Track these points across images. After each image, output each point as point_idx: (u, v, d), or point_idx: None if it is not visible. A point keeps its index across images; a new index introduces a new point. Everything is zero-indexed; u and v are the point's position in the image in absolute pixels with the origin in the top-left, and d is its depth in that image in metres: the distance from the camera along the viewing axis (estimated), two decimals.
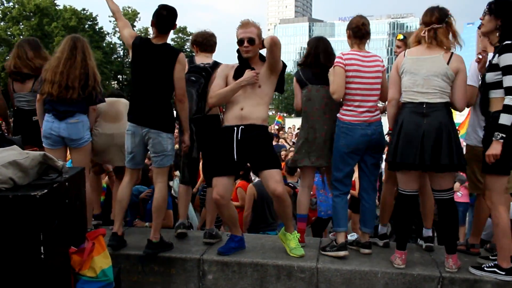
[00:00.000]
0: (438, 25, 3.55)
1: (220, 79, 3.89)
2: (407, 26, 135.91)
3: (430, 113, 3.50)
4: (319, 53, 4.18)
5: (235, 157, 3.78)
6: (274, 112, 67.26)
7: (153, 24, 3.91)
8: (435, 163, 3.47)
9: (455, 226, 3.75)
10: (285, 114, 67.27)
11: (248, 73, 3.77)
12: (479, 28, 3.94)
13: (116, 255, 3.81)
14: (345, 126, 3.94)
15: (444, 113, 3.53)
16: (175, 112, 4.07)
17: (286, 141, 14.12)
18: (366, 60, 3.96)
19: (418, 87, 3.55)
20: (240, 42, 3.82)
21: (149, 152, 4.00)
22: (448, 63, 3.54)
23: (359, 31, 3.98)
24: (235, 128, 3.80)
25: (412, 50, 3.66)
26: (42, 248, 2.37)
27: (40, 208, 2.37)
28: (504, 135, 3.28)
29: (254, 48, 3.82)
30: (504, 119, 3.28)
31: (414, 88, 3.56)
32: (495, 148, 3.32)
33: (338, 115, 4.01)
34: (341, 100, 3.99)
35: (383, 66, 4.04)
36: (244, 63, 3.87)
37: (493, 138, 3.32)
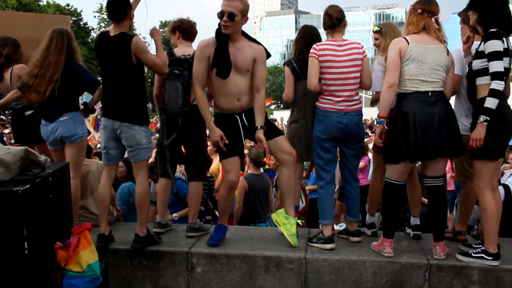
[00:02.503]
0: (438, 16, 3.60)
1: (201, 62, 3.77)
2: (393, 17, 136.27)
3: (437, 101, 3.54)
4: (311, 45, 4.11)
5: (243, 141, 3.90)
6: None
7: (108, 16, 3.93)
8: (452, 149, 3.53)
9: (444, 213, 3.80)
10: (273, 107, 67.29)
11: (216, 138, 3.76)
12: (459, 15, 4.00)
13: (103, 251, 3.78)
14: (321, 114, 3.97)
15: (447, 100, 3.63)
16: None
17: None
18: (341, 49, 3.93)
19: (424, 76, 3.54)
20: (220, 14, 3.64)
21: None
22: (447, 55, 3.64)
23: (327, 22, 3.99)
24: (237, 116, 3.86)
25: (415, 37, 3.60)
26: (26, 243, 2.33)
27: (23, 204, 2.33)
28: (488, 118, 3.32)
29: (234, 25, 3.65)
30: (490, 102, 3.32)
31: (420, 76, 3.55)
32: (479, 132, 3.37)
33: (316, 102, 4.03)
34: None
35: (363, 53, 3.98)
36: (222, 41, 3.72)
37: (478, 121, 3.36)
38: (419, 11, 3.63)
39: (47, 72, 4.00)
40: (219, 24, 3.71)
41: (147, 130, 3.92)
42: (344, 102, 3.92)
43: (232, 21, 3.63)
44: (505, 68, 3.37)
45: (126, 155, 4.15)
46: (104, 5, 60.29)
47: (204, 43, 3.79)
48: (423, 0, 3.64)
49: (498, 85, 3.31)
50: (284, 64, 4.46)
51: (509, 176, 5.41)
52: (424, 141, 3.49)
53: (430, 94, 3.54)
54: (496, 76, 3.31)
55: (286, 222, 3.93)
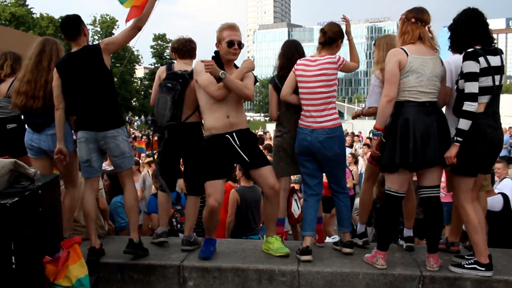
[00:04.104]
0: (430, 25, 3.64)
1: (206, 74, 3.77)
2: (384, 30, 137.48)
3: (434, 111, 3.56)
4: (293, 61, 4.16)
5: (247, 159, 3.88)
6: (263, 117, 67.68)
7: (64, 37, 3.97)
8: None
9: (440, 225, 3.78)
10: (266, 119, 67.54)
11: (247, 61, 3.92)
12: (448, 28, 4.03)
13: (94, 265, 3.73)
14: (298, 129, 4.04)
15: (441, 110, 3.67)
16: None
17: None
18: (313, 64, 3.95)
19: (423, 87, 3.55)
20: (230, 43, 3.82)
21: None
22: (442, 65, 3.68)
23: (320, 37, 4.06)
24: (228, 135, 3.82)
25: (413, 48, 3.59)
26: (13, 258, 2.30)
27: (11, 217, 2.31)
28: (460, 139, 3.41)
29: (239, 52, 3.91)
30: (462, 124, 3.41)
31: (419, 88, 3.55)
32: (450, 151, 3.47)
33: None
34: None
35: (337, 63, 3.93)
36: (219, 66, 3.82)
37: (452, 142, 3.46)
38: (413, 20, 3.62)
39: (42, 77, 4.00)
40: (216, 52, 3.91)
41: (127, 138, 3.98)
42: (311, 118, 3.93)
43: (241, 48, 3.91)
44: (484, 87, 3.41)
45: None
46: (98, 17, 61.60)
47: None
48: (415, 9, 3.66)
49: (469, 106, 3.38)
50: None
51: (499, 183, 5.46)
52: (424, 149, 3.49)
53: (427, 104, 3.55)
54: (468, 97, 3.39)
55: (269, 247, 4.05)
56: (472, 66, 3.39)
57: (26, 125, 4.23)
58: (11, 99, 4.10)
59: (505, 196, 4.80)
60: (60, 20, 48.70)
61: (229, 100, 3.82)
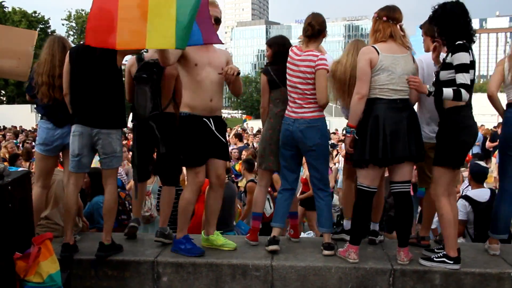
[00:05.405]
0: (402, 23, 3.68)
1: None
2: (362, 28, 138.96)
3: (404, 107, 3.63)
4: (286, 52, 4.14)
5: (224, 142, 3.98)
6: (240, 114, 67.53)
7: None
8: (419, 153, 3.65)
9: (410, 220, 3.86)
10: (244, 116, 67.42)
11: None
12: (420, 27, 4.11)
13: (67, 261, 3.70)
14: (283, 120, 4.05)
15: (412, 107, 3.75)
16: None
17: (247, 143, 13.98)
18: (298, 58, 3.93)
19: (394, 85, 3.60)
20: None
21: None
22: (413, 62, 3.73)
23: (305, 31, 3.99)
24: (206, 120, 3.86)
25: (384, 46, 3.63)
26: None
27: None
28: (433, 90, 3.43)
29: (217, 29, 3.90)
30: (447, 92, 3.37)
31: (390, 85, 3.60)
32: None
33: None
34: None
35: (316, 66, 3.84)
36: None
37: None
38: (384, 18, 3.68)
39: (60, 72, 4.00)
40: None
41: (120, 138, 3.96)
42: (294, 108, 3.95)
43: (218, 24, 3.91)
44: (470, 80, 3.47)
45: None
46: (73, 12, 60.32)
47: None
48: (387, 8, 3.72)
49: (464, 94, 3.38)
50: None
51: (466, 187, 5.55)
52: (393, 145, 3.55)
53: (398, 101, 3.62)
54: (462, 87, 3.40)
55: (211, 242, 4.11)
56: (466, 58, 3.43)
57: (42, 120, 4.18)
58: (43, 93, 4.05)
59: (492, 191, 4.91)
60: (32, 14, 48.13)
61: (215, 84, 3.85)
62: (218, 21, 3.93)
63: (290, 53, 4.00)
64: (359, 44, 4.15)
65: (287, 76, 3.98)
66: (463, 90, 3.38)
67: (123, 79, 4.16)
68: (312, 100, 3.92)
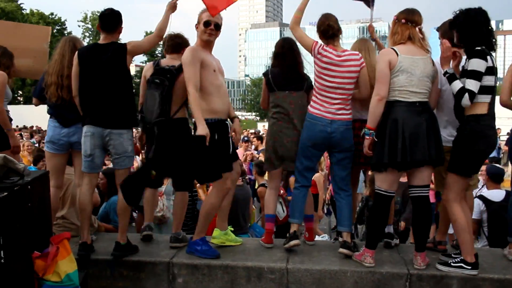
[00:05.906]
0: (421, 26, 3.65)
1: (195, 64, 3.78)
2: (376, 31, 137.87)
3: (424, 111, 3.59)
4: (286, 54, 4.17)
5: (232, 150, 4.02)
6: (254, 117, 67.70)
7: (99, 26, 3.98)
8: (438, 157, 3.59)
9: (428, 224, 3.83)
10: (258, 118, 67.50)
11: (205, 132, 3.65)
12: (437, 30, 4.07)
13: (84, 260, 3.73)
14: (308, 120, 3.97)
15: (432, 110, 3.70)
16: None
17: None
18: (340, 59, 3.88)
19: (413, 87, 3.57)
20: (206, 23, 3.86)
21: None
22: (433, 65, 3.68)
23: (327, 32, 3.97)
24: (227, 123, 3.97)
25: (403, 48, 3.61)
26: (1, 252, 2.30)
27: (0, 212, 2.30)
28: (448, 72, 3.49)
29: (217, 35, 3.95)
30: (456, 84, 3.43)
31: (410, 87, 3.57)
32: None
33: (308, 106, 4.04)
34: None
35: (361, 65, 3.92)
36: None
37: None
38: (403, 21, 3.66)
39: (68, 72, 4.03)
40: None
41: (132, 138, 3.98)
42: (333, 109, 3.90)
43: (217, 30, 3.92)
44: (489, 86, 3.44)
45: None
46: (89, 14, 61.12)
47: (194, 47, 3.92)
48: (407, 10, 3.70)
49: (465, 99, 3.37)
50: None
51: (482, 186, 5.53)
52: (412, 149, 3.51)
53: (417, 104, 3.58)
54: (468, 93, 3.38)
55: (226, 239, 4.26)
56: (481, 65, 3.39)
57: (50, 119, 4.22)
58: (52, 92, 4.08)
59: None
60: (49, 16, 48.69)
61: (223, 86, 4.00)
62: (218, 27, 3.94)
63: (326, 54, 3.88)
64: (368, 44, 4.22)
65: (324, 77, 3.90)
66: (466, 95, 3.36)
67: (135, 79, 4.18)
68: (350, 100, 3.98)
